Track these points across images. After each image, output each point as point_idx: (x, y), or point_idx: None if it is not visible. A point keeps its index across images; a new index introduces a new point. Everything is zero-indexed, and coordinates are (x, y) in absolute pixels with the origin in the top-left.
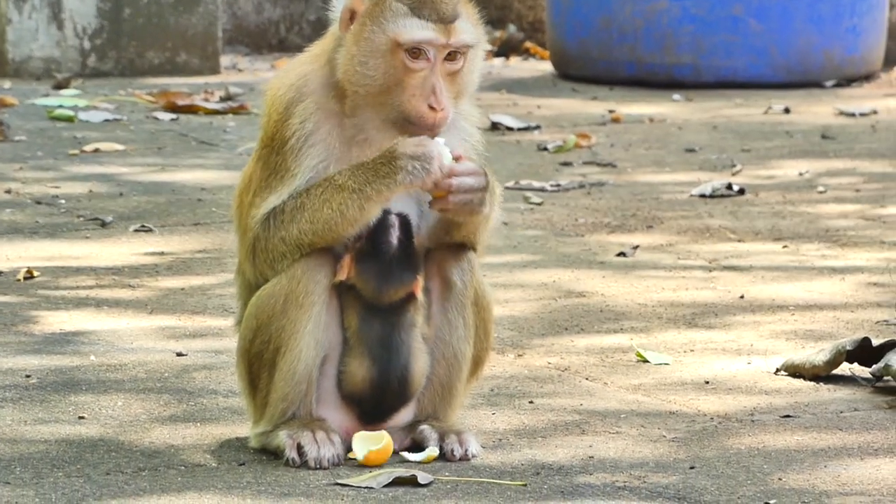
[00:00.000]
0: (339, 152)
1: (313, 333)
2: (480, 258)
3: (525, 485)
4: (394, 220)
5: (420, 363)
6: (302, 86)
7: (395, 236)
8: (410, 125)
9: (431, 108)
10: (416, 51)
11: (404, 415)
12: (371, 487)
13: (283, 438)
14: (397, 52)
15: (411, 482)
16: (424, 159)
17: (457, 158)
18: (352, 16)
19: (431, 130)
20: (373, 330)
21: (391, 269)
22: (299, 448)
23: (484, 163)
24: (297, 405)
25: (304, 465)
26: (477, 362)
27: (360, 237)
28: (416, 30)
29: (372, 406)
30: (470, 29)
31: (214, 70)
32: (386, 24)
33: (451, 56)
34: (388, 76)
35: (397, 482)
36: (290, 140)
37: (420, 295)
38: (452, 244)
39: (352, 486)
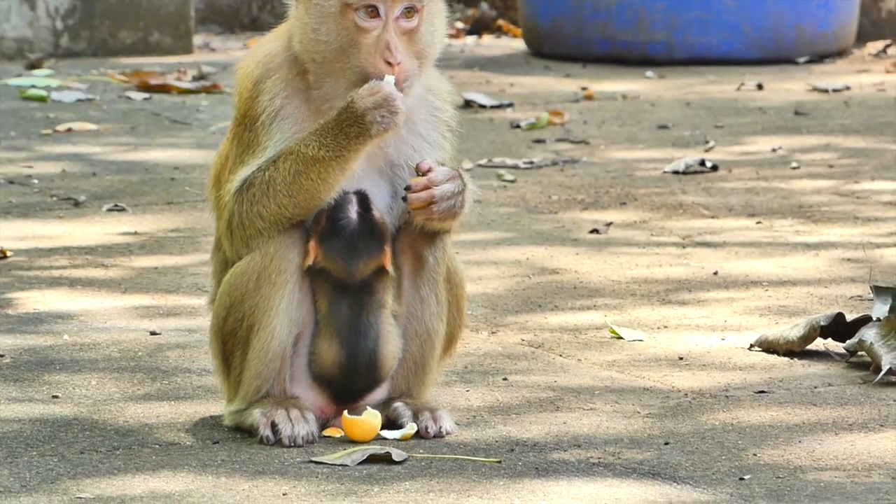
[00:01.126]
0: (308, 125)
1: (287, 311)
2: (452, 236)
3: (500, 461)
4: (351, 196)
5: (390, 345)
6: (268, 62)
7: (353, 211)
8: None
9: (388, 63)
10: (367, 8)
11: (378, 393)
12: (345, 465)
13: (257, 416)
14: (347, 13)
15: (385, 459)
16: (386, 104)
17: (427, 170)
18: None
19: (394, 81)
20: (342, 312)
21: (356, 244)
22: (273, 426)
23: (456, 140)
24: (270, 383)
25: (279, 442)
26: (450, 339)
27: (320, 220)
28: None
29: (342, 388)
30: None
31: (187, 49)
32: None
33: (407, 14)
34: (341, 38)
35: (371, 459)
36: (261, 116)
37: (390, 268)
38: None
39: (326, 463)
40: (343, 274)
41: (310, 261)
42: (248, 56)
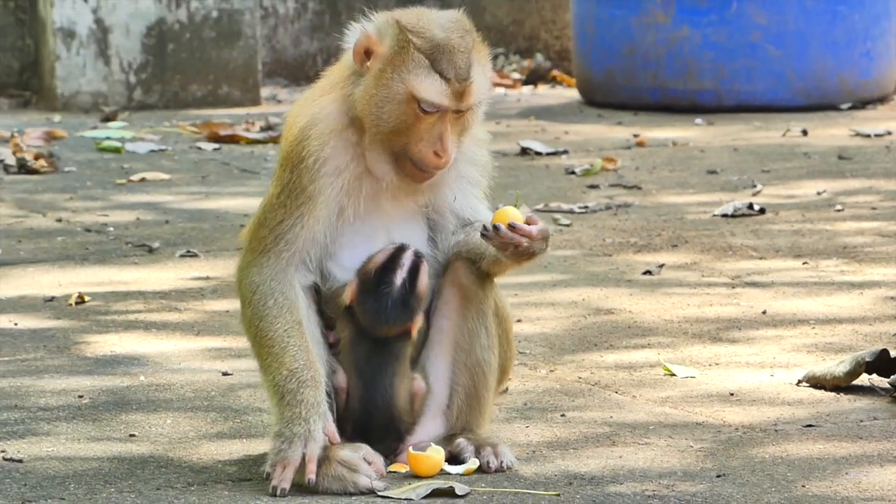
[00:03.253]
0: (352, 186)
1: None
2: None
3: (559, 495)
4: (406, 259)
5: (405, 384)
6: (318, 113)
7: (401, 277)
8: (415, 166)
9: (437, 154)
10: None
11: (431, 429)
12: (410, 499)
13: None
14: (412, 102)
15: (449, 493)
16: (286, 455)
17: (528, 221)
18: (367, 51)
19: (432, 174)
20: (360, 347)
21: (388, 310)
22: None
23: (490, 181)
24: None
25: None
26: (503, 371)
27: (370, 265)
28: (434, 91)
29: (360, 424)
30: (482, 87)
31: (255, 101)
32: (407, 76)
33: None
34: (400, 122)
35: (435, 493)
36: (307, 160)
37: (415, 334)
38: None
39: (393, 498)
40: (368, 328)
41: (347, 300)
42: (299, 106)
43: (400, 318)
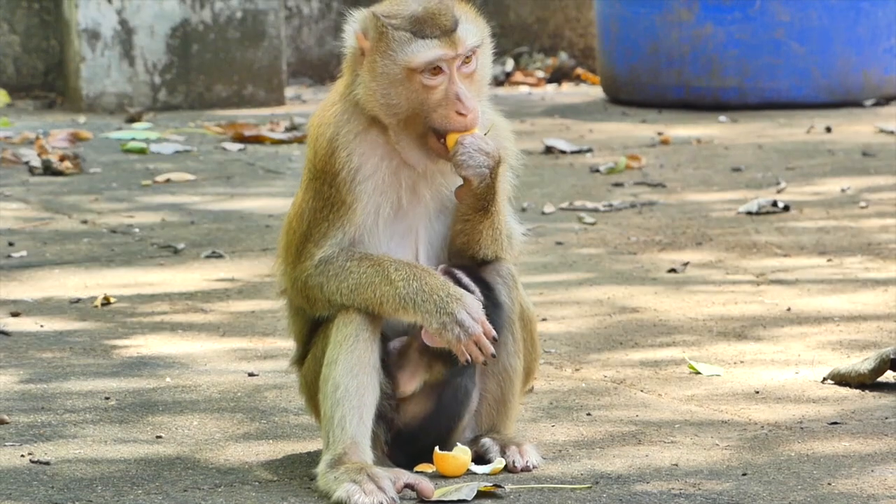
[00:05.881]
0: (388, 179)
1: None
2: (519, 273)
3: (590, 487)
4: (467, 281)
5: (471, 407)
6: (340, 121)
7: (479, 294)
8: (443, 136)
9: (460, 113)
10: (431, 69)
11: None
12: (465, 500)
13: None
14: (413, 76)
15: (491, 494)
16: (467, 330)
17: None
18: (362, 52)
19: (467, 130)
20: (436, 370)
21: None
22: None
23: (516, 176)
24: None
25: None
26: (528, 373)
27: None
28: (424, 51)
29: (411, 440)
30: (473, 30)
31: (279, 101)
32: (395, 55)
33: (465, 61)
34: (411, 100)
35: (480, 495)
36: (341, 172)
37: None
38: (492, 262)
39: (443, 500)
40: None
41: (438, 345)
42: (318, 115)
43: (497, 332)
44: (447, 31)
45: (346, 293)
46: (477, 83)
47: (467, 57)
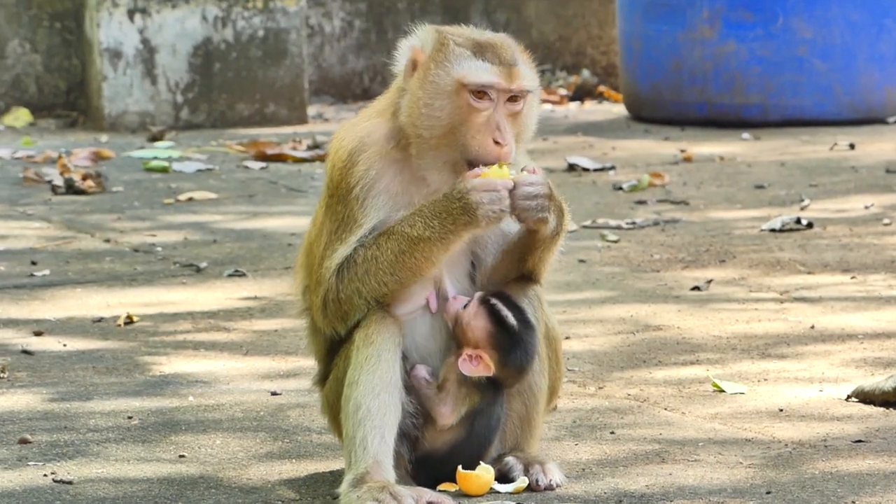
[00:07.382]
0: (402, 198)
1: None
2: (544, 291)
3: (621, 501)
4: (501, 307)
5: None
6: (364, 136)
7: (517, 322)
8: (472, 165)
9: (496, 142)
10: (480, 92)
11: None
12: None
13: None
14: (462, 93)
15: None
16: (499, 201)
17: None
18: (414, 66)
19: (499, 162)
20: (475, 395)
21: (529, 353)
22: None
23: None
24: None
25: None
26: (552, 391)
27: (488, 335)
28: (481, 72)
29: (436, 464)
30: (529, 74)
31: (302, 120)
32: (450, 67)
33: (513, 98)
34: (453, 116)
35: None
36: (355, 188)
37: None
38: (517, 280)
39: None
40: (511, 381)
41: (489, 374)
42: (344, 130)
43: (533, 356)
44: (506, 63)
45: (387, 277)
46: (519, 126)
47: (516, 96)
